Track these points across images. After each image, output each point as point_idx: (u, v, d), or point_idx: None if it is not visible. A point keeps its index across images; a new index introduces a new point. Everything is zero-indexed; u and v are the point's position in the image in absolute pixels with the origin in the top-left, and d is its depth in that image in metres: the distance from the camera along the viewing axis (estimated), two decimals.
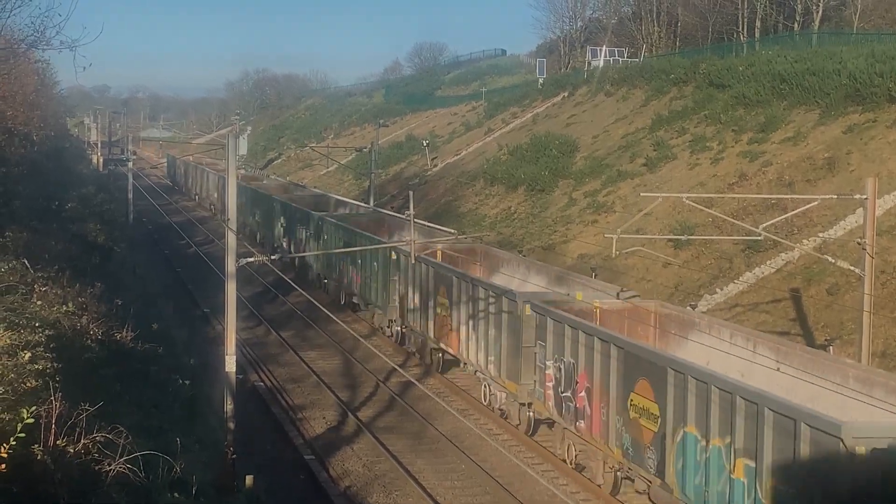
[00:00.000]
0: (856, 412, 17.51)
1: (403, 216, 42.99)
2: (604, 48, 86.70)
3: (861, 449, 15.02)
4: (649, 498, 21.13)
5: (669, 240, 39.68)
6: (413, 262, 33.44)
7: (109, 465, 13.09)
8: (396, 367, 27.68)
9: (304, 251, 49.41)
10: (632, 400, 21.03)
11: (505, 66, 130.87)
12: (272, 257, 25.99)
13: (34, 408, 11.51)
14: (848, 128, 42.88)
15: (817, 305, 32.27)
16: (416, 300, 34.15)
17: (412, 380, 26.75)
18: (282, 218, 55.57)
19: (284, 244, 54.11)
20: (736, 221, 32.12)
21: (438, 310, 32.21)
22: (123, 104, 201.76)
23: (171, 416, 21.30)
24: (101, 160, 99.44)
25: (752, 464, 16.92)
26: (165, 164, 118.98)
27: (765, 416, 16.63)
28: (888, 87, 42.93)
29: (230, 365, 22.18)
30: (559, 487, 23.05)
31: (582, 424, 23.25)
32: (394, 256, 35.77)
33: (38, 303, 20.29)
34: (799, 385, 19.50)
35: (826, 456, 15.41)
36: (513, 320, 26.71)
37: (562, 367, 24.06)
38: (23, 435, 10.78)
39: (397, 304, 35.93)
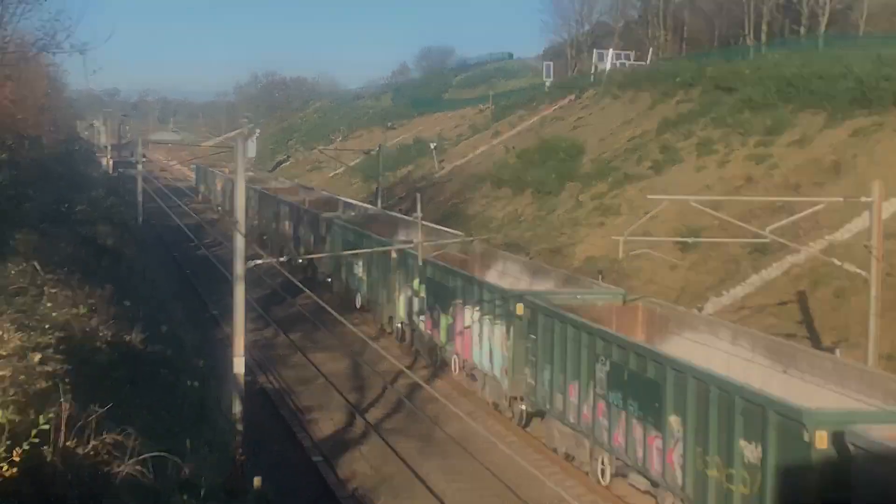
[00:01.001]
0: None
1: (411, 218, 43.05)
2: (611, 51, 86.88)
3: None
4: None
5: (676, 242, 39.70)
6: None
7: (119, 466, 13.18)
8: (404, 368, 27.72)
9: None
10: None
11: (512, 70, 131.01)
12: (282, 259, 26.07)
13: (50, 414, 11.59)
14: (854, 131, 42.87)
15: (824, 308, 32.29)
16: None
17: (420, 382, 26.80)
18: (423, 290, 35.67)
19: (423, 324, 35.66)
20: (742, 224, 32.10)
21: None
22: (133, 107, 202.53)
23: (180, 418, 21.40)
24: (110, 163, 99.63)
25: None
26: (194, 176, 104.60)
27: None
28: (895, 90, 42.93)
29: (238, 367, 22.31)
30: (567, 490, 23.14)
31: None
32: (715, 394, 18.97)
33: (48, 305, 20.32)
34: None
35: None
36: None
37: None
38: (36, 440, 10.88)
39: None
